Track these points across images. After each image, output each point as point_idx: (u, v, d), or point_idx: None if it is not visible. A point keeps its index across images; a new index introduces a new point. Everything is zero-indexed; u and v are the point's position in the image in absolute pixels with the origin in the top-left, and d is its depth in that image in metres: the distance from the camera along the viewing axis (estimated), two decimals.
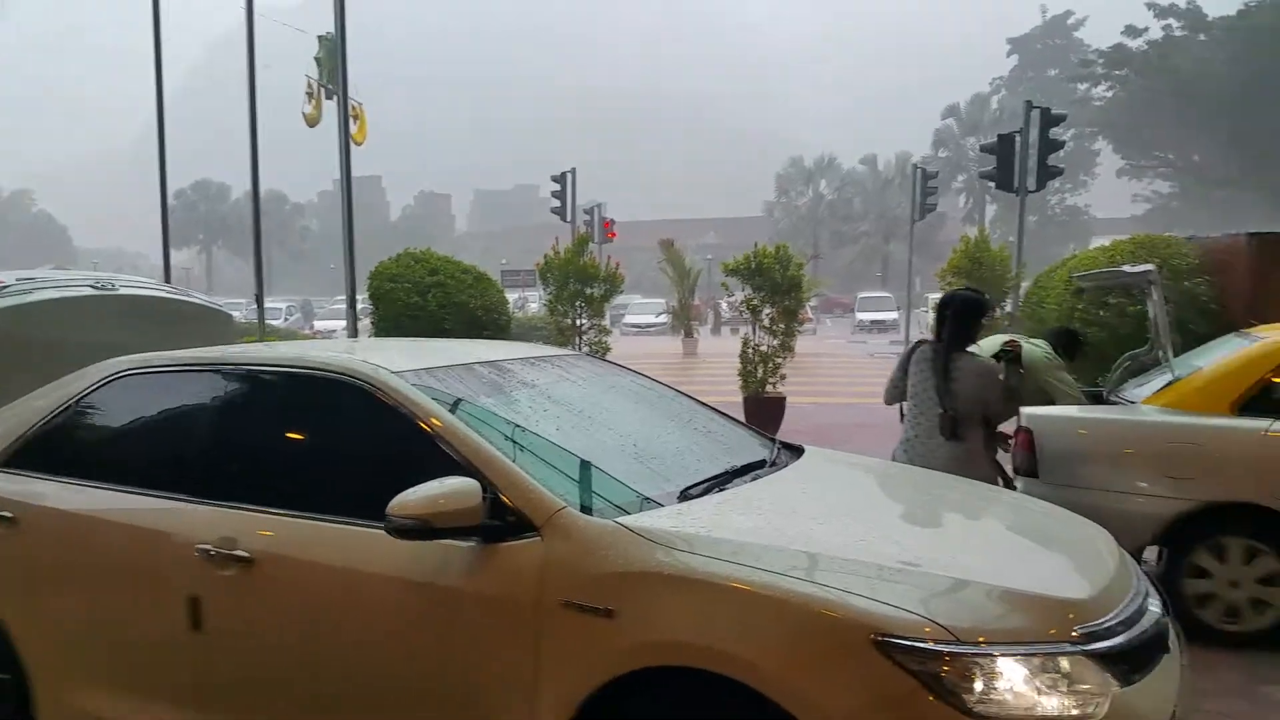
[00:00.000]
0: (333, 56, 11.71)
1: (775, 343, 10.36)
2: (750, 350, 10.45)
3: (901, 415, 4.93)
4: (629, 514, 2.66)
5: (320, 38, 12.22)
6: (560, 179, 22.99)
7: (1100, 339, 8.27)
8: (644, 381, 4.01)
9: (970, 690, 2.18)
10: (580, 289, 10.96)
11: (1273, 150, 36.19)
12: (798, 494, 3.12)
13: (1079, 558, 2.84)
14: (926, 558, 2.55)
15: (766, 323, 10.35)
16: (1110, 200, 54.61)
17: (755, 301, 10.31)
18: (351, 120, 11.88)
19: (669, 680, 2.36)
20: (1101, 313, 8.44)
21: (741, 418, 6.70)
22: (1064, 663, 2.27)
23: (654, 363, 17.80)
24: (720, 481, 3.05)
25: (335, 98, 11.66)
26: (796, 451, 3.60)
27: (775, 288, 10.21)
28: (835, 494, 3.30)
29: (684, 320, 27.73)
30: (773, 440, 3.76)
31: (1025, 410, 5.02)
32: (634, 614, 2.41)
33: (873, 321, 37.99)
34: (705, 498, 2.89)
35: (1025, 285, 11.56)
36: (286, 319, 34.19)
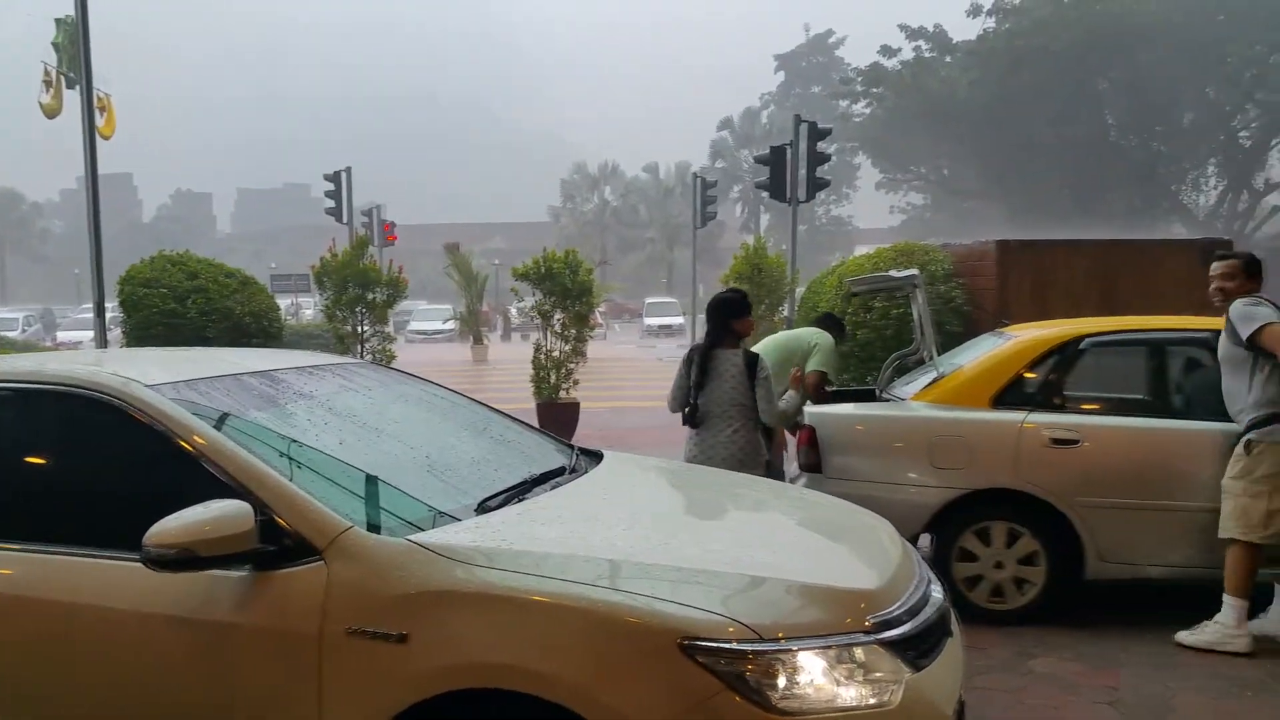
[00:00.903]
0: (74, 42, 10.63)
1: (567, 348, 10.33)
2: (542, 356, 10.37)
3: (689, 416, 5.01)
4: (423, 530, 2.50)
5: (58, 21, 11.10)
6: (334, 178, 21.79)
7: (868, 340, 8.77)
8: (434, 389, 3.84)
9: (774, 687, 2.19)
10: (361, 293, 10.51)
11: (1011, 164, 39.95)
12: (599, 500, 3.06)
13: (865, 549, 2.93)
14: (726, 557, 2.56)
15: (557, 328, 10.31)
16: (871, 211, 58.72)
17: (546, 307, 10.24)
18: (98, 112, 10.84)
19: (482, 702, 2.23)
20: (868, 315, 8.95)
21: (535, 424, 6.60)
22: (859, 652, 2.32)
23: (443, 370, 17.38)
24: (520, 491, 2.94)
25: (78, 87, 10.59)
26: (596, 457, 3.55)
27: (565, 293, 10.19)
28: (636, 498, 3.26)
29: (473, 326, 27.31)
30: (571, 446, 3.69)
31: (808, 409, 5.22)
32: (431, 637, 2.26)
33: (660, 326, 38.94)
34: (505, 509, 2.77)
35: (800, 290, 12.12)
36: (24, 330, 31.03)
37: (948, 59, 41.46)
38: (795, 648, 2.24)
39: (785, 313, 12.00)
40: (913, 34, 41.55)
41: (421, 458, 3.14)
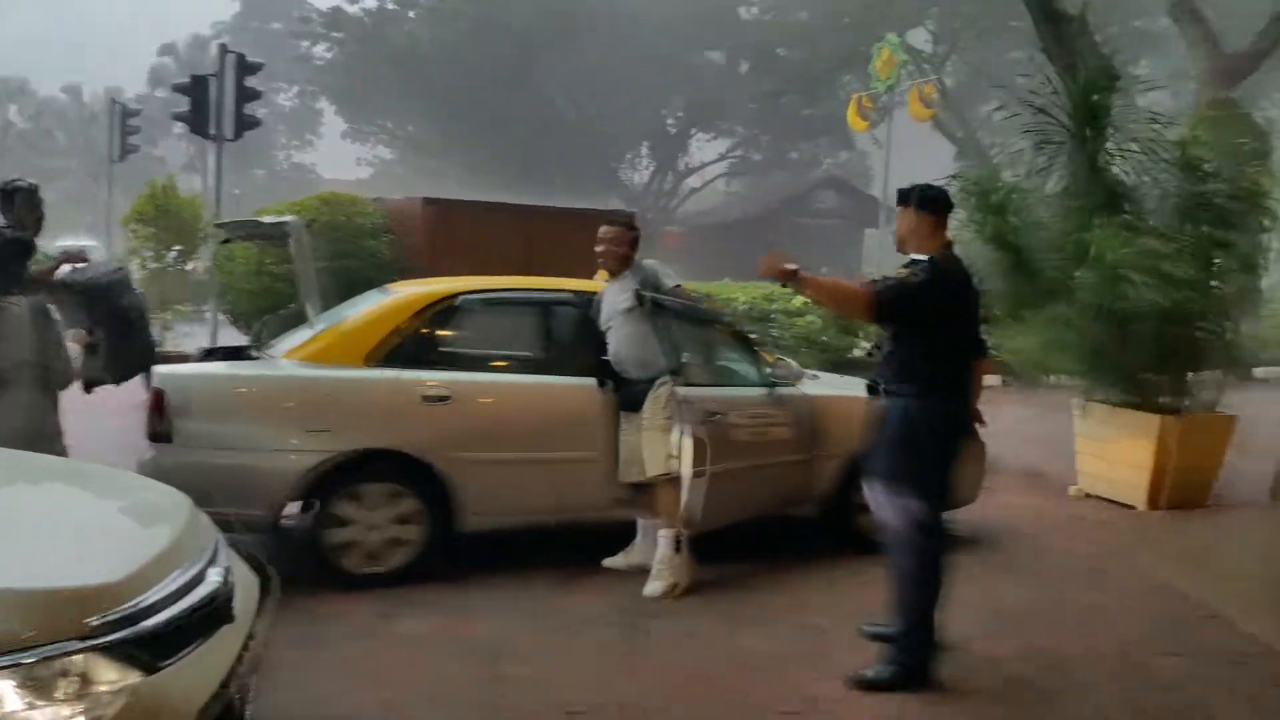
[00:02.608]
0: None
1: None
2: None
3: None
4: None
5: None
6: None
7: (238, 294, 8.15)
8: None
9: None
10: None
11: (472, 129, 41.07)
12: None
13: (121, 534, 2.53)
14: None
15: None
16: (337, 161, 56.87)
17: None
18: None
19: None
20: (232, 265, 8.35)
21: None
22: (68, 663, 1.93)
23: None
24: None
25: None
26: None
27: None
28: None
29: None
30: None
31: (157, 369, 4.62)
32: None
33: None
34: None
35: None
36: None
37: (411, 14, 41.35)
38: None
39: (203, 259, 10.93)
40: None
41: None
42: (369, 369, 4.74)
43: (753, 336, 5.76)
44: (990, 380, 14.62)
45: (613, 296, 4.96)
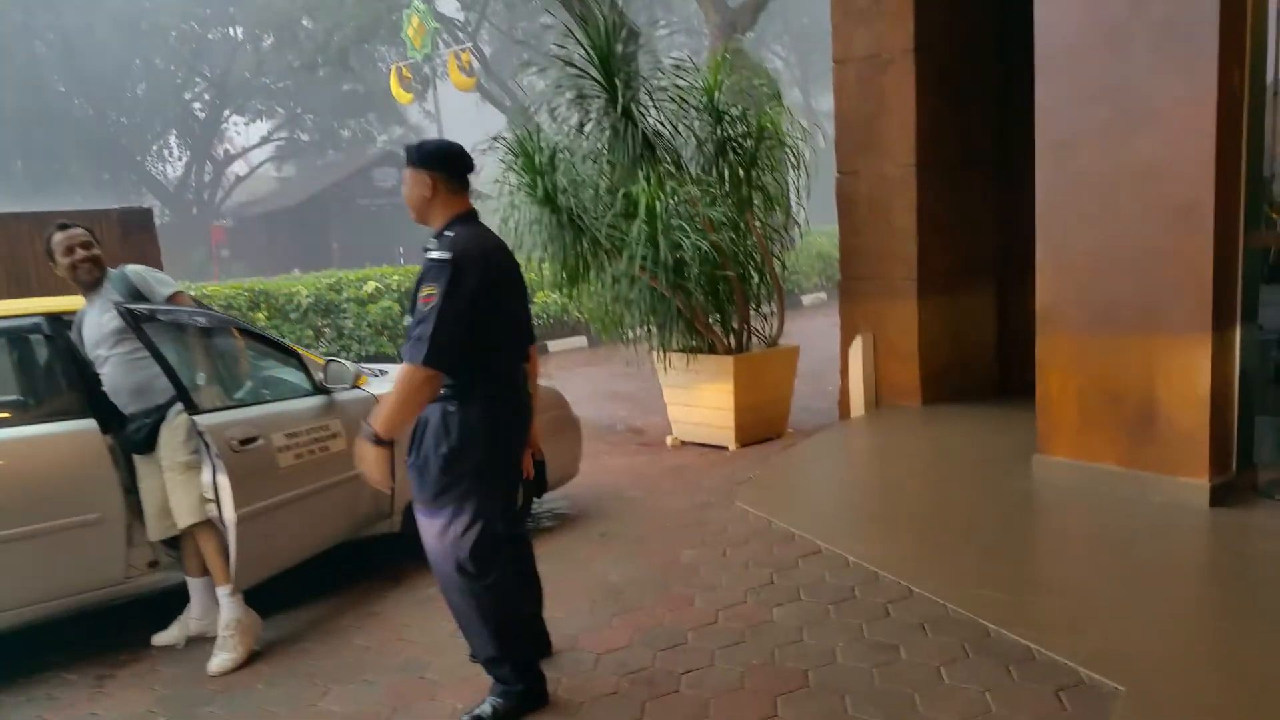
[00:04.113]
0: None
1: None
2: None
3: None
4: None
5: None
6: None
7: None
8: None
9: None
10: None
11: None
12: None
13: None
14: None
15: None
16: None
17: None
18: None
19: None
20: None
21: None
22: None
23: None
24: None
25: None
26: None
27: None
28: None
29: None
30: None
31: None
32: None
33: None
34: None
35: None
36: None
37: None
38: None
39: None
40: None
41: None
42: None
43: (316, 332, 4.95)
44: (577, 341, 14.93)
45: (95, 318, 3.95)
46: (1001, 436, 5.88)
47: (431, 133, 30.67)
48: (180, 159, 40.85)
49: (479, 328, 2.95)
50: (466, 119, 28.17)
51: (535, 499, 5.27)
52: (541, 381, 5.80)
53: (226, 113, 39.69)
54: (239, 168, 42.45)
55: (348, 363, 4.39)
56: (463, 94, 25.59)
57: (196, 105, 39.70)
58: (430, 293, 2.88)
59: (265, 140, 41.67)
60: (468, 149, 3.20)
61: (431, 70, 24.09)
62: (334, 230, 37.24)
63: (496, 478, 3.11)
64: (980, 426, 6.28)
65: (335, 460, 4.27)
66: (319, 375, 4.40)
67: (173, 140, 40.43)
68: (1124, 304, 4.64)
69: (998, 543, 4.29)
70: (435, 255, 2.94)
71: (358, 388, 4.54)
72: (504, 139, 6.84)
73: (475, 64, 27.78)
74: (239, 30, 36.95)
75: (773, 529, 4.67)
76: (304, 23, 31.88)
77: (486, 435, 3.02)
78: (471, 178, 3.18)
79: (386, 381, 4.90)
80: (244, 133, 41.39)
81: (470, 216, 3.11)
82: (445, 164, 3.08)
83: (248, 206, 41.20)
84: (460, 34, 29.99)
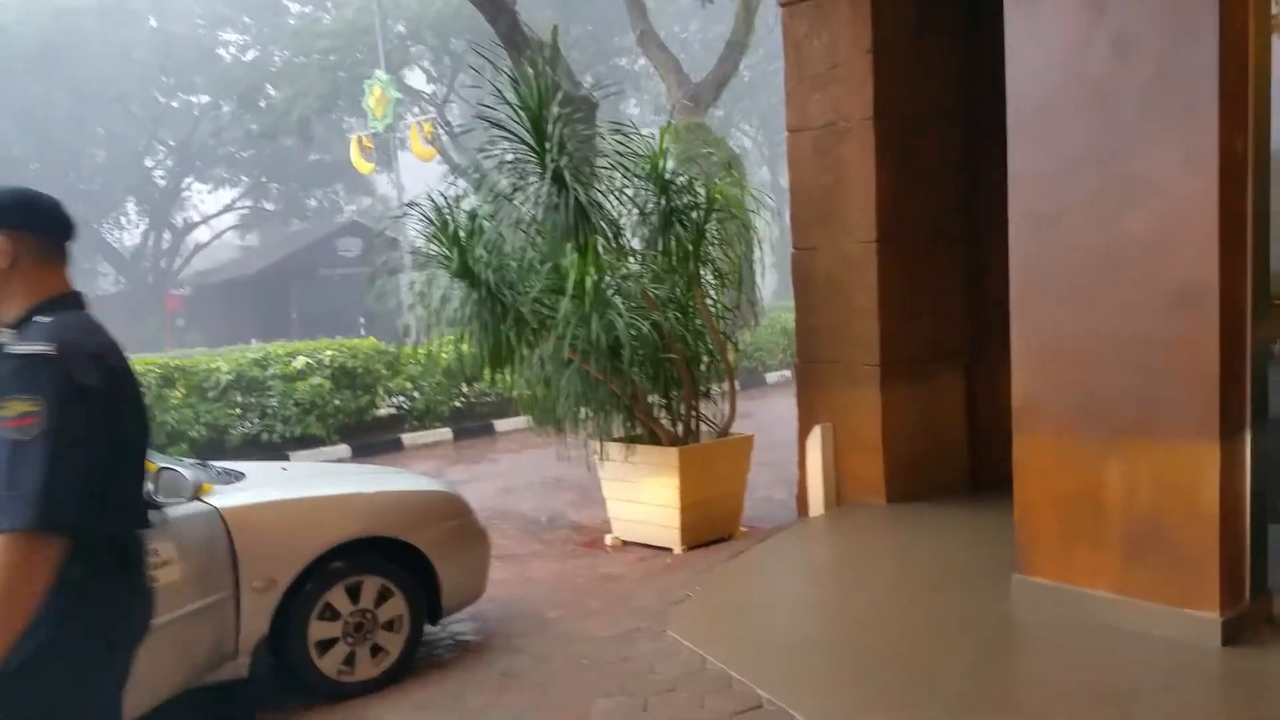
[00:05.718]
0: None
1: None
2: None
3: None
4: None
5: None
6: None
7: None
8: None
9: None
10: None
11: None
12: None
13: None
14: None
15: None
16: None
17: None
18: None
19: None
20: None
21: None
22: None
23: None
24: None
25: None
26: None
27: None
28: None
29: None
30: None
31: None
32: None
33: None
34: None
35: None
36: None
37: None
38: None
39: None
40: None
41: None
42: None
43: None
44: (517, 423, 14.11)
45: None
46: (975, 547, 5.16)
47: (395, 204, 30.20)
48: (138, 226, 40.04)
49: (93, 469, 1.91)
50: (435, 191, 27.74)
51: (429, 625, 4.47)
52: (438, 484, 5.03)
53: (188, 180, 39.08)
54: (201, 235, 41.70)
55: (184, 472, 3.59)
56: (429, 165, 25.15)
57: (158, 173, 39.08)
58: (25, 411, 1.83)
59: (228, 209, 41.02)
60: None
61: (394, 141, 23.65)
62: (295, 299, 36.45)
63: (104, 693, 2.04)
64: (951, 533, 5.56)
65: (166, 594, 3.46)
66: (148, 487, 3.62)
67: (130, 207, 39.66)
68: (1115, 400, 3.98)
69: (972, 692, 3.54)
70: (23, 350, 1.90)
71: (199, 499, 3.75)
72: (417, 205, 6.17)
73: (441, 134, 27.45)
74: (202, 98, 36.54)
75: (706, 670, 3.89)
76: (269, 90, 31.55)
77: (75, 647, 1.92)
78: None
79: (244, 489, 4.12)
80: (206, 200, 40.75)
81: (73, 300, 2.13)
82: (30, 222, 2.09)
83: (207, 275, 40.33)
84: (429, 105, 29.72)
